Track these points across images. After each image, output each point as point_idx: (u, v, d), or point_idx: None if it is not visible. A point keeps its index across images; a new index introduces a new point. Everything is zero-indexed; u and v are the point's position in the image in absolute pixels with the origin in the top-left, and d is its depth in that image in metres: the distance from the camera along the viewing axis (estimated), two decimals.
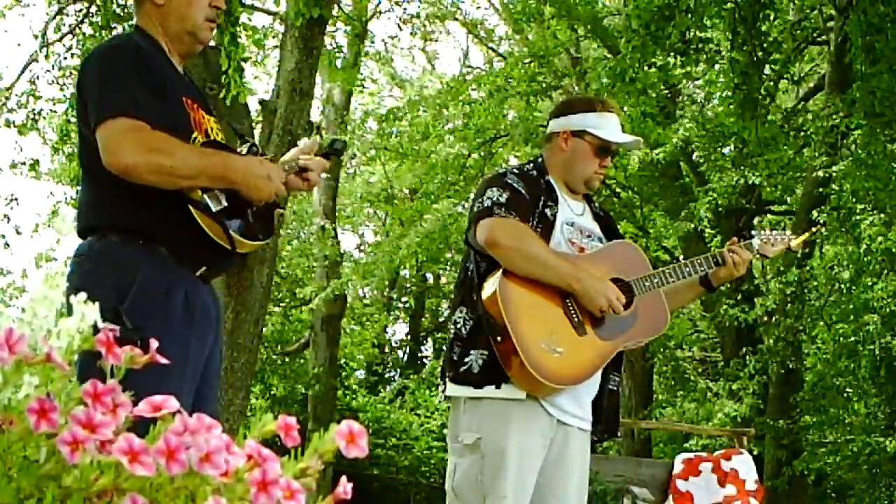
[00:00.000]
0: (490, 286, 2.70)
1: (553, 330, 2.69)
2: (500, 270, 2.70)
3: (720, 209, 11.19)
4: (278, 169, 2.38)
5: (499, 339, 2.65)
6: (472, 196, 3.04)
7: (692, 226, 11.16)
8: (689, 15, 6.69)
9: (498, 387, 2.67)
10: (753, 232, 3.20)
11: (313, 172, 2.49)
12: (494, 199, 2.77)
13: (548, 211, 2.84)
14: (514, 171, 2.93)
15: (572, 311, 2.74)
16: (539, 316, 2.70)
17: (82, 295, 0.93)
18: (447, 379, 2.79)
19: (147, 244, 2.23)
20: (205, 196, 2.25)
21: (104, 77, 2.28)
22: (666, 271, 2.92)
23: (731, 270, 2.99)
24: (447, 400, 2.83)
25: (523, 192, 2.82)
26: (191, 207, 2.23)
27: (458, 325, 2.79)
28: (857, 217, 9.11)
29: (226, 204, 2.27)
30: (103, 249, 2.25)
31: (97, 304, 2.24)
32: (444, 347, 2.90)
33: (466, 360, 2.72)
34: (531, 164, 3.00)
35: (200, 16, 2.42)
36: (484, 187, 2.85)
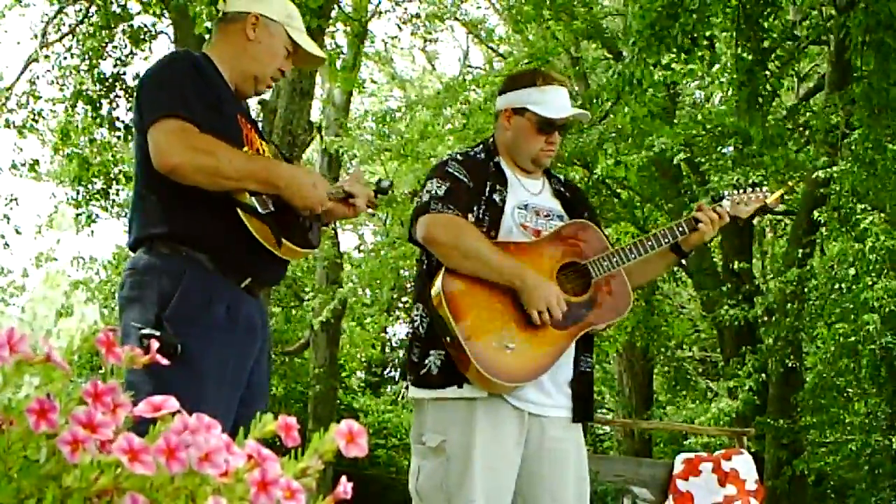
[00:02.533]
0: (436, 285, 2.55)
1: (504, 325, 2.52)
2: (444, 268, 2.55)
3: None
4: (324, 180, 2.42)
5: (448, 339, 2.51)
6: None
7: None
8: (694, 14, 6.67)
9: (460, 386, 2.53)
10: (724, 192, 3.02)
11: (360, 199, 2.51)
12: (433, 192, 2.61)
13: (496, 196, 2.67)
14: (459, 156, 2.75)
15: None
16: (488, 312, 2.53)
17: (81, 295, 0.93)
18: (409, 382, 2.64)
19: (192, 255, 2.27)
20: (252, 199, 2.28)
21: (159, 82, 2.34)
22: (626, 249, 2.72)
23: (703, 234, 2.82)
24: (411, 401, 2.68)
25: (465, 180, 2.65)
26: (238, 210, 2.26)
27: (416, 324, 2.63)
28: (858, 217, 9.09)
29: (273, 208, 2.30)
30: (151, 261, 2.29)
31: (142, 310, 2.32)
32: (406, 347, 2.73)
33: (426, 361, 2.57)
34: (480, 146, 2.82)
35: (270, 71, 2.53)
36: (426, 178, 2.69)
